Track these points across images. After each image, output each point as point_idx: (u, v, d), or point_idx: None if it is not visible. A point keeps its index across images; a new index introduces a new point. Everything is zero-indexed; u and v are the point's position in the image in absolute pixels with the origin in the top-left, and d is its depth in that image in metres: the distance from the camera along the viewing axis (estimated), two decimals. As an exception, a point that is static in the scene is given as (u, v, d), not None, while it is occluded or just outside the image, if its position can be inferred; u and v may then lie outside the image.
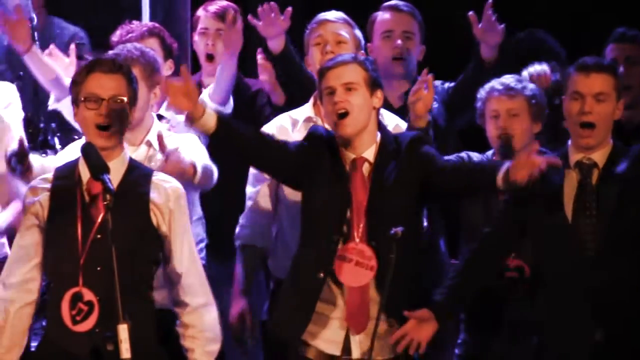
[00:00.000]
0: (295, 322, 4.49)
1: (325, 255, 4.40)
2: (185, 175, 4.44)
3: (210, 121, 4.30)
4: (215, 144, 4.55)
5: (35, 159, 4.66)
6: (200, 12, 5.81)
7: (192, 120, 4.32)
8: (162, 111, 4.96)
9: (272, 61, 5.28)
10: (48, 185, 4.19)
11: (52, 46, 5.55)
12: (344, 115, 4.08)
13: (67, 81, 5.13)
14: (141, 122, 4.54)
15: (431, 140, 4.65)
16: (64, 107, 5.01)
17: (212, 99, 5.07)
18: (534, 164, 4.15)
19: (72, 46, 5.70)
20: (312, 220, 4.45)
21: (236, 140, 4.53)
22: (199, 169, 4.56)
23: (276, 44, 5.20)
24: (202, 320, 4.23)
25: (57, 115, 5.62)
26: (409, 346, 4.33)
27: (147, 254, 4.19)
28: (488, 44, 5.09)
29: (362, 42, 5.03)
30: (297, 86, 5.28)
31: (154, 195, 4.21)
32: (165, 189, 4.26)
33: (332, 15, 5.00)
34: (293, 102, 5.27)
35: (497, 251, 4.52)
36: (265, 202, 4.92)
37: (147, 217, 4.17)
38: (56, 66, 5.27)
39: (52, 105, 5.27)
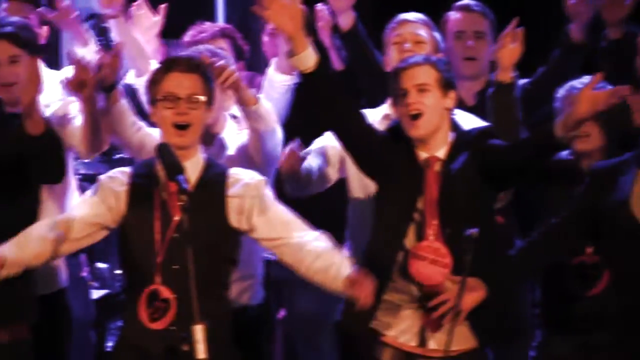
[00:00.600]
0: (365, 309, 4.43)
1: (396, 249, 4.40)
2: None
3: (310, 59, 4.28)
4: (307, 86, 4.50)
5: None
6: None
7: (291, 53, 4.32)
8: (234, 110, 4.89)
9: (341, 39, 5.27)
10: (127, 180, 4.24)
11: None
12: (416, 116, 4.11)
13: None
14: (215, 122, 4.54)
15: (515, 98, 4.65)
16: (142, 84, 5.00)
17: (279, 68, 5.10)
18: (595, 97, 4.15)
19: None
20: (385, 214, 4.42)
21: (331, 89, 4.49)
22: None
23: (346, 20, 5.22)
24: (324, 242, 4.21)
25: (129, 93, 5.43)
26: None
27: (224, 254, 4.23)
28: (580, 20, 5.04)
29: (441, 43, 5.01)
30: (364, 67, 5.28)
31: (232, 191, 4.23)
32: (243, 183, 4.27)
33: (412, 15, 5.00)
34: (359, 85, 5.27)
35: (561, 237, 4.46)
36: None
37: (224, 217, 4.19)
38: (140, 38, 5.29)
39: (130, 80, 5.26)
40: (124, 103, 4.77)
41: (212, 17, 6.72)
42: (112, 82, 4.73)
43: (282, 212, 4.32)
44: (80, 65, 4.73)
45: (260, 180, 4.31)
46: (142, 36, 5.50)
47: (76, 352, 5.17)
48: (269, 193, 4.34)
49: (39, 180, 4.61)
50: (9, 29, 4.84)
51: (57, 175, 4.46)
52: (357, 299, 4.16)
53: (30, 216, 4.50)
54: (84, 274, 5.42)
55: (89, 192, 4.36)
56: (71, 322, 5.01)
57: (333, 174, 4.86)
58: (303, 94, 4.67)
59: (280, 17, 4.25)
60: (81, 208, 4.33)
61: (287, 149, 4.74)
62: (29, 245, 4.29)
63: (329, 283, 4.21)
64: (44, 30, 5.33)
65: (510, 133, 4.64)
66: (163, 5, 5.64)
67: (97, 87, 4.73)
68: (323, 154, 4.78)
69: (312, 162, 4.85)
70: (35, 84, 4.32)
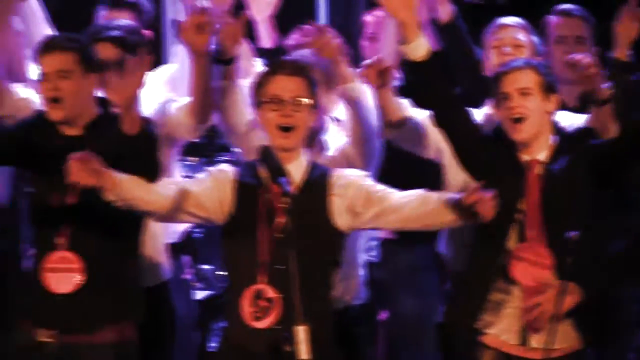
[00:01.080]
0: (469, 309, 4.51)
1: (498, 250, 4.41)
2: None
3: (421, 49, 4.31)
4: (417, 76, 4.53)
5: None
6: (367, 17, 5.77)
7: (403, 41, 4.33)
8: (337, 114, 4.86)
9: (439, 31, 5.20)
10: (233, 177, 4.27)
11: None
12: (519, 120, 4.12)
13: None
14: (319, 124, 4.51)
15: (631, 80, 4.63)
16: (246, 85, 4.92)
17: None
18: None
19: None
20: None
21: (440, 81, 4.52)
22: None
23: (445, 11, 5.21)
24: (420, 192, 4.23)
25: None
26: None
27: (327, 256, 4.25)
28: None
29: (539, 47, 5.01)
30: (461, 61, 5.24)
31: (335, 191, 4.25)
32: (345, 182, 4.28)
33: (511, 20, 5.02)
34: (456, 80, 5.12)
35: None
36: None
37: (328, 218, 4.22)
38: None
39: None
40: (239, 84, 4.75)
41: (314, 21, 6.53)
42: (230, 55, 4.71)
43: (379, 189, 4.29)
44: (197, 8, 4.74)
45: (360, 176, 4.31)
46: (256, 16, 5.52)
47: (179, 352, 5.26)
48: (370, 182, 4.33)
49: None
50: (115, 32, 4.89)
51: (150, 175, 4.41)
52: (479, 213, 4.11)
53: (135, 216, 4.49)
54: (188, 275, 5.53)
55: (202, 176, 4.38)
56: (174, 318, 5.10)
57: (429, 151, 4.81)
58: (410, 85, 4.65)
59: (395, 4, 4.27)
60: (197, 186, 4.35)
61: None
62: (146, 188, 4.30)
63: (443, 217, 4.18)
64: (148, 33, 5.27)
65: (627, 114, 4.57)
66: None
67: (212, 57, 4.66)
68: (426, 127, 4.69)
69: (418, 121, 4.77)
70: (133, 85, 4.36)
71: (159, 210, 4.33)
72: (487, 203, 4.10)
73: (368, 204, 4.29)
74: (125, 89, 4.36)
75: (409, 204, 4.30)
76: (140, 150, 4.39)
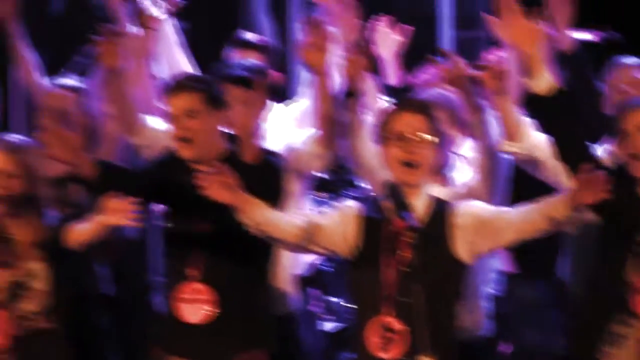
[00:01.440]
0: (589, 342, 4.44)
1: (618, 282, 4.38)
2: None
3: (545, 82, 4.29)
4: (540, 110, 4.44)
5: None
6: (490, 56, 5.61)
7: (527, 74, 4.33)
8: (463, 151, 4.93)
9: (562, 62, 5.01)
10: (357, 212, 4.32)
11: None
12: (637, 157, 4.16)
13: None
14: (443, 161, 4.53)
15: None
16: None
17: None
18: None
19: None
20: (606, 246, 4.46)
21: (564, 116, 4.40)
22: None
23: (567, 42, 5.20)
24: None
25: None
26: None
27: (452, 288, 4.27)
28: None
29: None
30: (583, 94, 5.11)
31: (458, 225, 4.27)
32: (467, 213, 4.31)
33: (630, 59, 5.05)
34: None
35: None
36: None
37: (451, 251, 4.23)
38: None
39: None
40: (365, 119, 4.73)
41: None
42: (356, 88, 4.72)
43: (494, 210, 4.32)
44: (316, 26, 4.76)
45: (481, 206, 4.34)
46: (382, 53, 5.65)
47: None
48: (489, 208, 4.34)
49: None
50: (239, 71, 4.93)
51: (273, 205, 4.48)
52: (589, 196, 4.08)
53: (265, 247, 4.56)
54: (316, 307, 5.62)
55: (328, 210, 4.45)
56: (302, 348, 5.13)
57: (549, 175, 4.72)
58: (533, 119, 4.54)
59: (519, 36, 4.28)
60: (324, 219, 4.39)
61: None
62: (278, 215, 4.37)
63: (555, 212, 4.15)
64: (275, 74, 5.30)
65: None
66: (407, 27, 5.72)
67: (340, 90, 4.68)
68: (547, 151, 4.60)
69: (538, 141, 4.70)
70: (252, 117, 4.58)
71: (289, 239, 4.34)
72: (597, 182, 4.05)
73: (485, 227, 4.30)
74: (245, 122, 4.56)
75: (519, 211, 4.29)
76: (261, 180, 4.46)
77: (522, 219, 4.30)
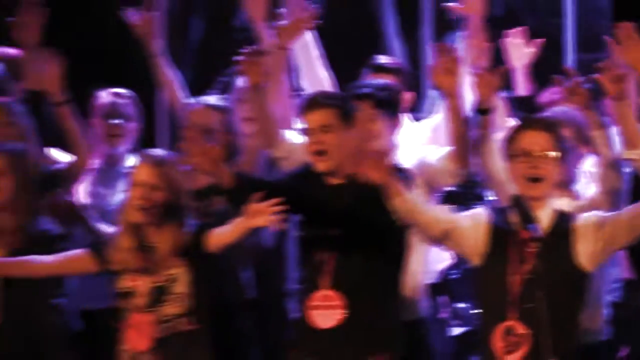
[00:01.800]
0: None
1: None
2: None
3: None
4: None
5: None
6: None
7: (627, 143, 4.38)
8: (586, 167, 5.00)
9: None
10: (488, 221, 4.43)
11: None
12: None
13: None
14: (568, 177, 4.68)
15: None
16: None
17: None
18: None
19: None
20: None
21: None
22: None
23: None
24: None
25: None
26: None
27: (574, 295, 4.34)
28: None
29: None
30: None
31: (579, 235, 4.35)
32: (589, 224, 4.38)
33: None
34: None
35: None
36: None
37: (573, 261, 4.32)
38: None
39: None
40: (494, 135, 4.77)
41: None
42: (487, 106, 4.77)
43: (610, 216, 4.35)
44: (447, 50, 4.83)
45: (600, 215, 4.40)
46: (514, 64, 5.67)
47: None
48: (604, 215, 4.39)
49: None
50: (368, 90, 5.02)
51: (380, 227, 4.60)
52: None
53: (396, 253, 4.69)
54: (444, 314, 5.63)
55: (461, 215, 4.58)
56: (432, 352, 5.18)
57: None
58: None
59: (638, 59, 4.34)
60: (461, 221, 4.50)
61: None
62: (424, 205, 4.50)
63: None
64: (408, 95, 5.43)
65: None
66: (539, 40, 5.74)
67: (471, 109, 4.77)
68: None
69: None
70: (383, 133, 4.73)
71: (431, 230, 4.47)
72: None
73: (604, 233, 4.35)
74: (376, 138, 4.69)
75: (629, 209, 4.36)
76: (374, 193, 4.53)
77: (632, 215, 4.35)
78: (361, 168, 4.42)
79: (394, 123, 4.92)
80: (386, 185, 4.38)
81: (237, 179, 4.63)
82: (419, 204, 4.49)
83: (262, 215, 4.48)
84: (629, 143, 4.61)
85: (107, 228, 5.07)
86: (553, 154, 4.29)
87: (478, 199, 5.64)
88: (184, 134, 4.89)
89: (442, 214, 4.59)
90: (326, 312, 4.59)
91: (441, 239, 4.53)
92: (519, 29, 5.82)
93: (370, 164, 4.40)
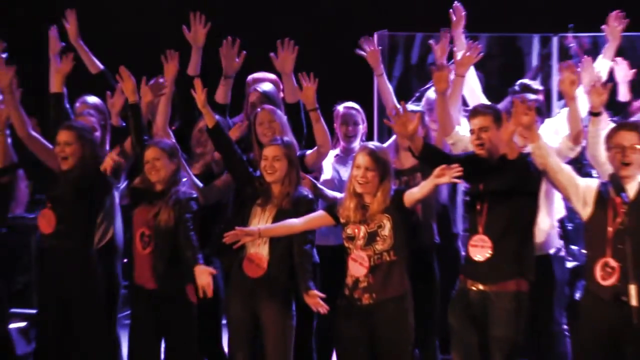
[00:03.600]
0: None
1: None
2: None
3: None
4: None
5: None
6: None
7: None
8: None
9: None
10: (597, 188, 5.11)
11: None
12: None
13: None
14: None
15: None
16: None
17: None
18: None
19: None
20: None
21: None
22: None
23: None
24: None
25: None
26: None
27: None
28: None
29: None
30: None
31: None
32: None
33: None
34: None
35: None
36: None
37: None
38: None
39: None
40: (601, 132, 5.12)
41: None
42: (597, 110, 5.23)
43: None
44: (570, 68, 5.24)
45: None
46: (619, 78, 6.12)
47: (557, 301, 5.81)
48: None
49: None
50: (532, 99, 5.49)
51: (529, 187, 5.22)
52: None
53: (531, 201, 5.22)
54: (562, 253, 6.04)
55: (577, 175, 5.09)
56: (554, 280, 5.75)
57: None
58: None
59: None
60: (578, 179, 5.10)
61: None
62: (554, 154, 5.10)
63: None
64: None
65: None
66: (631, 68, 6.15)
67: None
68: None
69: None
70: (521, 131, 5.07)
71: (556, 175, 5.08)
72: None
73: None
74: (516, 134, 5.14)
75: None
76: (518, 169, 5.18)
77: None
78: (514, 122, 5.00)
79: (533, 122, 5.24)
80: (530, 129, 5.02)
81: (426, 146, 5.26)
82: (550, 151, 5.06)
83: (446, 175, 5.04)
84: None
85: (337, 194, 5.69)
86: (638, 146, 4.96)
87: (586, 175, 5.83)
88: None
89: (567, 169, 5.09)
90: (480, 249, 5.23)
91: (562, 188, 5.11)
92: (623, 62, 6.25)
93: (520, 113, 5.00)
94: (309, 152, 5.83)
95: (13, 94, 5.70)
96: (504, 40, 7.09)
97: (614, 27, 5.88)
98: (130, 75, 5.64)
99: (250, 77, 6.28)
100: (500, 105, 5.73)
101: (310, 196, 5.56)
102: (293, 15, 7.47)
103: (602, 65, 5.89)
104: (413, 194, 5.23)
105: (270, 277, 5.44)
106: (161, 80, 5.86)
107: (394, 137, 6.07)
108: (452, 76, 5.82)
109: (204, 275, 5.32)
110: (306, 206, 5.49)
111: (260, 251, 5.44)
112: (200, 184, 5.76)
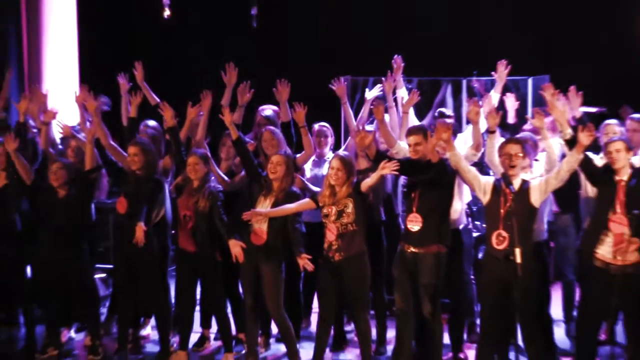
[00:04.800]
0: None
1: (607, 213, 4.84)
2: None
3: None
4: None
5: None
6: None
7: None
8: None
9: None
10: (493, 182, 4.95)
11: None
12: None
13: None
14: None
15: None
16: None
17: None
18: None
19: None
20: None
21: None
22: None
23: None
24: None
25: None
26: None
27: (529, 218, 4.90)
28: None
29: None
30: None
31: (532, 187, 4.86)
32: (536, 184, 4.86)
33: None
34: None
35: None
36: None
37: (528, 203, 4.86)
38: None
39: None
40: (495, 143, 4.93)
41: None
42: (492, 129, 5.01)
43: (547, 176, 4.74)
44: (475, 103, 5.08)
45: (543, 179, 4.82)
46: (507, 106, 5.87)
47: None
48: (545, 179, 4.76)
49: None
50: (449, 120, 5.45)
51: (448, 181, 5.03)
52: None
53: (449, 198, 5.06)
54: (470, 226, 5.83)
55: (480, 174, 4.91)
56: (463, 244, 5.55)
57: None
58: None
59: None
60: (480, 176, 4.89)
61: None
62: (463, 158, 4.90)
63: None
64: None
65: None
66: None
67: None
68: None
69: None
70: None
71: (465, 175, 4.95)
72: None
73: (544, 187, 4.83)
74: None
75: (554, 173, 4.74)
76: (438, 168, 5.02)
77: (557, 174, 4.76)
78: (436, 137, 4.85)
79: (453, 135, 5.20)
80: (448, 142, 4.89)
81: (378, 153, 5.20)
82: (461, 157, 4.97)
83: (386, 168, 4.97)
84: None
85: (316, 189, 5.54)
86: (520, 154, 4.95)
87: (486, 173, 5.48)
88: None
89: (472, 169, 5.03)
90: (414, 224, 5.13)
91: (469, 182, 5.03)
92: (512, 95, 6.09)
93: (441, 131, 4.88)
94: (298, 155, 5.73)
95: (99, 117, 5.72)
96: (428, 81, 6.91)
97: (501, 72, 5.83)
98: (169, 107, 5.64)
99: (259, 107, 6.21)
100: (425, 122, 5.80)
101: (298, 192, 5.47)
102: (288, 64, 7.50)
103: (494, 97, 5.86)
104: (366, 182, 5.16)
105: (268, 245, 5.37)
106: (200, 113, 5.89)
107: (346, 143, 6.01)
108: (393, 109, 5.87)
109: (236, 247, 5.30)
110: (295, 198, 5.40)
111: (262, 227, 5.36)
112: (226, 178, 5.76)
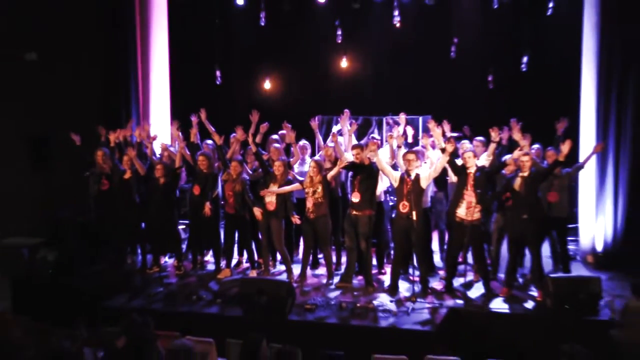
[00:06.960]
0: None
1: (463, 190, 4.42)
2: None
3: None
4: None
5: None
6: None
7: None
8: None
9: None
10: (400, 174, 4.47)
11: None
12: None
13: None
14: None
15: None
16: None
17: None
18: None
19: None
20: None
21: None
22: None
23: None
24: None
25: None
26: None
27: (421, 193, 4.51)
28: None
29: None
30: None
31: (422, 176, 4.46)
32: (424, 174, 4.45)
33: None
34: None
35: None
36: None
37: (418, 184, 4.49)
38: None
39: None
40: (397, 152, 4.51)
41: None
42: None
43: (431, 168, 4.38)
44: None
45: (428, 170, 4.44)
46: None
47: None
48: (429, 170, 4.37)
49: None
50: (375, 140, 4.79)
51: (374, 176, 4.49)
52: None
53: (375, 183, 4.52)
54: (387, 200, 5.04)
55: (393, 170, 4.44)
56: (384, 212, 4.95)
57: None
58: None
59: None
60: (393, 172, 4.38)
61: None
62: (383, 162, 4.42)
63: None
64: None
65: None
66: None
67: None
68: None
69: None
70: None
71: (384, 170, 4.45)
72: None
73: (429, 174, 4.41)
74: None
75: (436, 166, 4.37)
76: (369, 167, 4.56)
77: (437, 167, 4.35)
78: (368, 150, 4.50)
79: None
80: (375, 152, 4.56)
81: (336, 159, 4.77)
82: (383, 161, 4.63)
83: (341, 164, 4.69)
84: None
85: (301, 179, 4.99)
86: (414, 159, 4.64)
87: (396, 169, 4.85)
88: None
89: (388, 167, 4.68)
90: (356, 197, 4.73)
91: (387, 174, 4.67)
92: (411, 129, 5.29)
93: (371, 146, 4.62)
94: (291, 159, 5.17)
95: (181, 140, 5.31)
96: (364, 118, 5.79)
97: (401, 113, 5.20)
98: (215, 132, 5.15)
99: (270, 135, 5.52)
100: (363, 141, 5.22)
101: (292, 180, 5.02)
102: (285, 103, 6.53)
103: (400, 129, 5.13)
104: (330, 174, 4.86)
105: (276, 210, 4.99)
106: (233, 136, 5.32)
107: (318, 153, 5.34)
108: (345, 135, 5.20)
109: (257, 212, 4.97)
110: (289, 184, 4.98)
111: (272, 200, 4.97)
112: (251, 172, 5.28)
